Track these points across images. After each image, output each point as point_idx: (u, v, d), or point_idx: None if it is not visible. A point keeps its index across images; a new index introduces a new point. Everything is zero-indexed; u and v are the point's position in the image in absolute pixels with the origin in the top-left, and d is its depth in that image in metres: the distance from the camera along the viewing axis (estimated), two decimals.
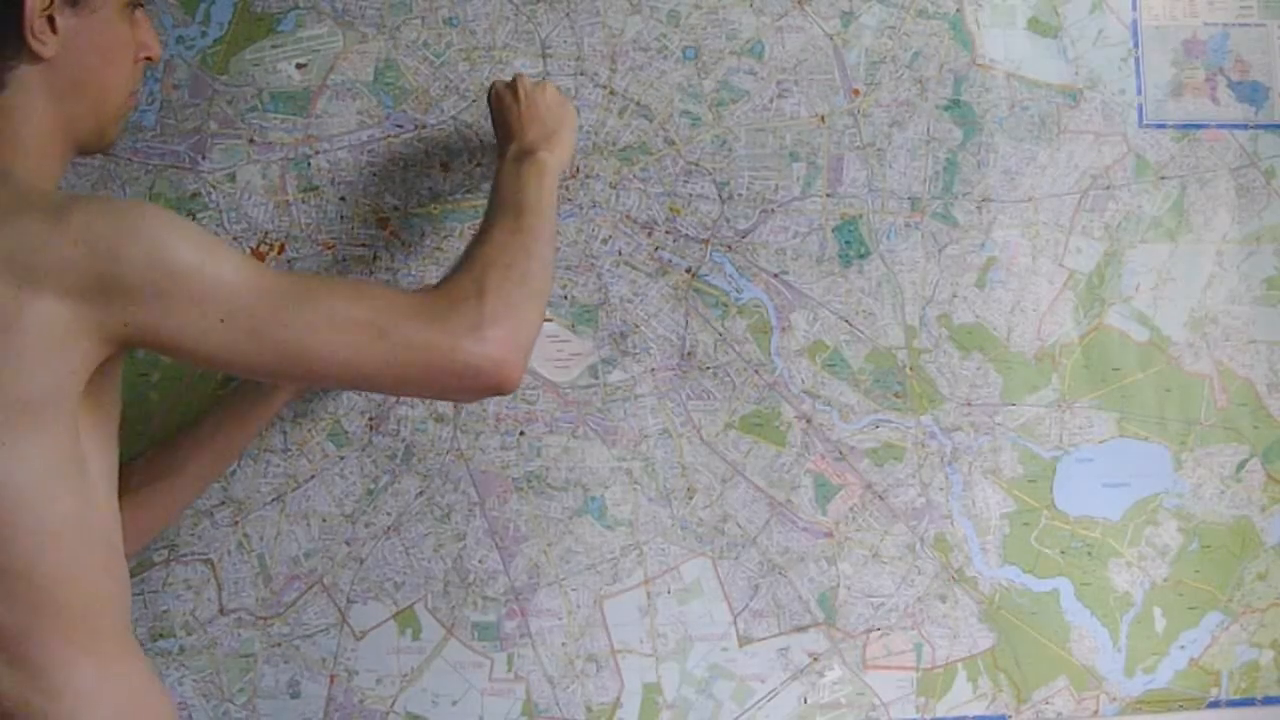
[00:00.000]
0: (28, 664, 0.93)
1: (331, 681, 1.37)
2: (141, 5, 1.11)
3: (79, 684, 0.95)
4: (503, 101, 1.28)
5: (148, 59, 1.12)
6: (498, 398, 1.39)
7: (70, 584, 0.95)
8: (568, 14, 1.43)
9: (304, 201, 1.40)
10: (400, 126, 1.41)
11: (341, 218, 1.40)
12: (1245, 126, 1.50)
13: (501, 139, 1.26)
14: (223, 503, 1.37)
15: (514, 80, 1.29)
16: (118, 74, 1.08)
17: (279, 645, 1.37)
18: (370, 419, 1.39)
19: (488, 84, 1.41)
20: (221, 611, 1.37)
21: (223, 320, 0.95)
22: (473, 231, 1.39)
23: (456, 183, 1.41)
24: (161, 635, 1.36)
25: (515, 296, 1.02)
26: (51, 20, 1.01)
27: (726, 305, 1.43)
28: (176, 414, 1.36)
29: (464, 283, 1.03)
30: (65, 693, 0.94)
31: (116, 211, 0.95)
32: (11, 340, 0.92)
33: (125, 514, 1.11)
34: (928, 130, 1.46)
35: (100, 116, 1.07)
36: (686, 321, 1.43)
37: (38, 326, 0.92)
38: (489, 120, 1.41)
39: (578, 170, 1.42)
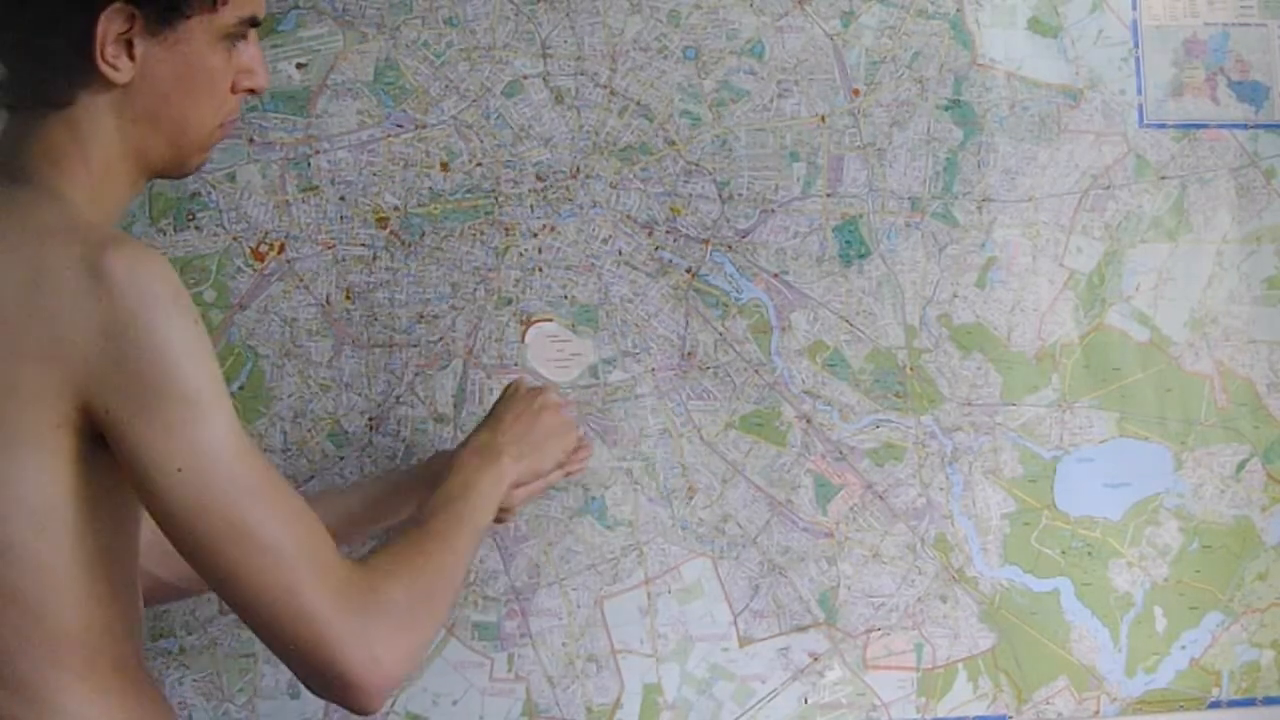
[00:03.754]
0: (20, 685, 0.92)
1: None
2: (245, 36, 1.02)
3: (72, 708, 0.93)
4: (513, 399, 1.25)
5: (249, 90, 1.04)
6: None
7: (65, 611, 0.93)
8: (568, 14, 1.43)
9: (304, 201, 1.40)
10: (400, 126, 1.41)
11: (341, 218, 1.40)
12: (1245, 126, 1.50)
13: (485, 421, 1.24)
14: None
15: (536, 390, 1.26)
16: (201, 107, 1.01)
17: None
18: (370, 419, 1.39)
19: (488, 84, 1.41)
20: (222, 611, 1.37)
21: (179, 471, 0.90)
22: (473, 232, 1.40)
23: (456, 183, 1.41)
24: (161, 635, 1.36)
25: (422, 630, 0.98)
26: (130, 44, 0.95)
27: (727, 305, 1.43)
28: None
29: (391, 591, 0.96)
30: (56, 716, 0.92)
31: (154, 293, 0.90)
32: (18, 368, 0.90)
33: None
34: (928, 130, 1.46)
35: (178, 148, 1.01)
36: (686, 321, 1.43)
37: (41, 363, 0.89)
38: (489, 120, 1.42)
39: (578, 170, 1.42)
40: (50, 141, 0.97)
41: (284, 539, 0.92)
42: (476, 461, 1.16)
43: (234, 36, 1.01)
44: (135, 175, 1.01)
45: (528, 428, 1.22)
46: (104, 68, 0.95)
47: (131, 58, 0.96)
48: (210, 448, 0.91)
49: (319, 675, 0.94)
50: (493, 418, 1.24)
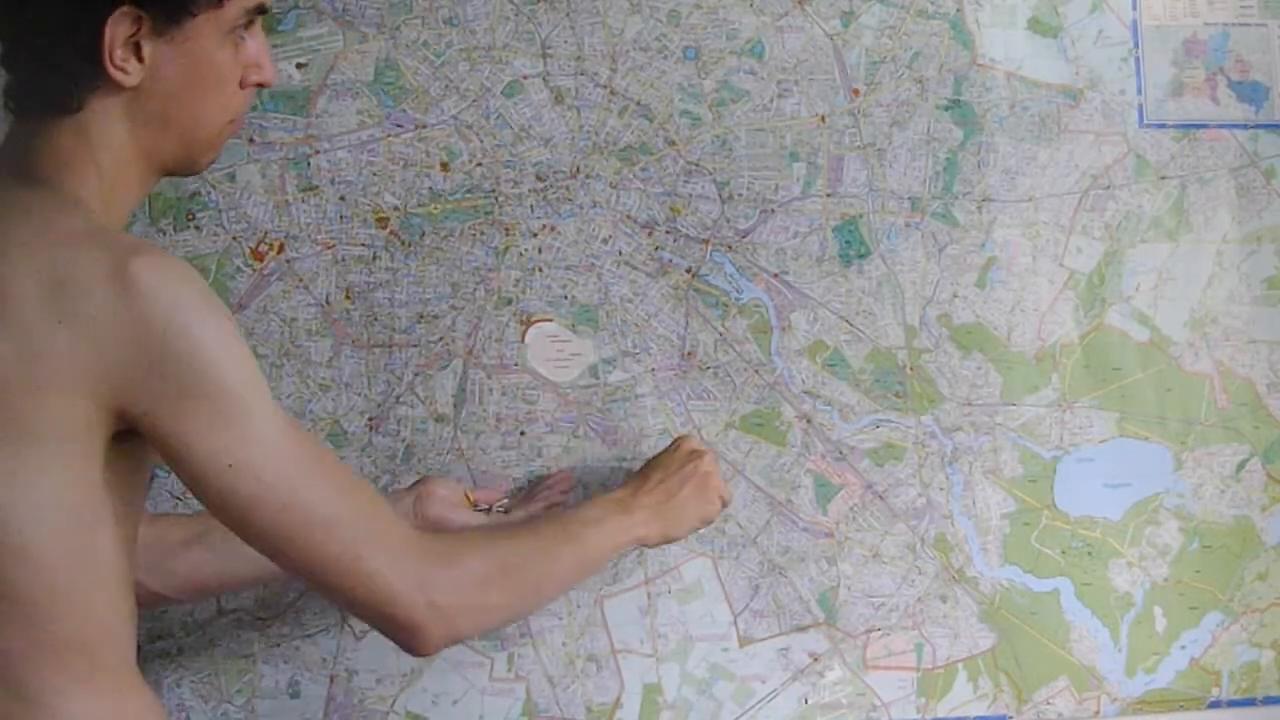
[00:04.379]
0: (20, 689, 0.92)
1: (331, 681, 1.37)
2: (251, 25, 1.02)
3: (70, 712, 0.93)
4: (669, 458, 1.28)
5: (258, 84, 1.04)
6: (498, 401, 1.40)
7: (69, 615, 0.93)
8: (568, 14, 1.43)
9: (304, 201, 1.39)
10: (400, 126, 1.41)
11: (341, 217, 1.40)
12: (1245, 126, 1.50)
13: (638, 472, 1.28)
14: None
15: (695, 454, 1.28)
16: (211, 104, 1.01)
17: (278, 645, 1.37)
18: (370, 419, 1.39)
19: (488, 84, 1.41)
20: (220, 612, 1.37)
21: (230, 466, 0.93)
22: (473, 232, 1.40)
23: (456, 183, 1.41)
24: (159, 636, 1.36)
25: (490, 598, 1.03)
26: (138, 46, 0.95)
27: (727, 305, 1.43)
28: None
29: (462, 554, 1.03)
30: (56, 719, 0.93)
31: (184, 296, 0.91)
32: (36, 370, 0.90)
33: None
34: (928, 130, 1.46)
35: (190, 146, 1.02)
36: (686, 321, 1.43)
37: (62, 367, 0.90)
38: (489, 120, 1.41)
39: (578, 170, 1.42)
40: (60, 146, 0.97)
41: (339, 513, 0.96)
42: (612, 508, 1.21)
43: (241, 29, 1.01)
44: (146, 176, 1.02)
45: (668, 496, 1.25)
46: (113, 72, 0.95)
47: (140, 60, 0.96)
48: (257, 440, 0.94)
49: (382, 624, 0.99)
50: (643, 471, 1.27)
